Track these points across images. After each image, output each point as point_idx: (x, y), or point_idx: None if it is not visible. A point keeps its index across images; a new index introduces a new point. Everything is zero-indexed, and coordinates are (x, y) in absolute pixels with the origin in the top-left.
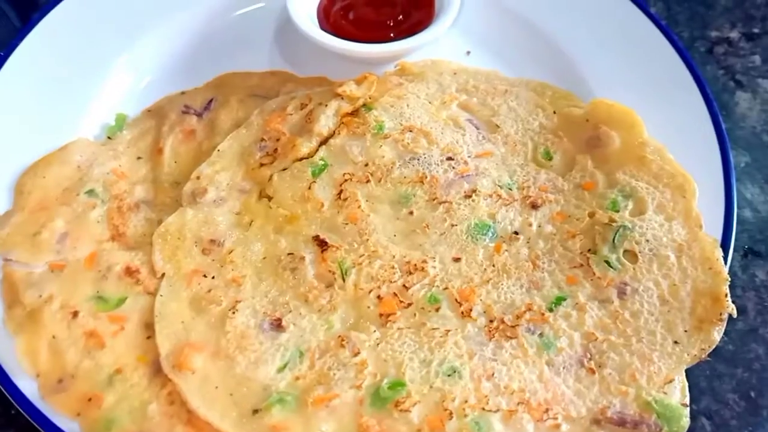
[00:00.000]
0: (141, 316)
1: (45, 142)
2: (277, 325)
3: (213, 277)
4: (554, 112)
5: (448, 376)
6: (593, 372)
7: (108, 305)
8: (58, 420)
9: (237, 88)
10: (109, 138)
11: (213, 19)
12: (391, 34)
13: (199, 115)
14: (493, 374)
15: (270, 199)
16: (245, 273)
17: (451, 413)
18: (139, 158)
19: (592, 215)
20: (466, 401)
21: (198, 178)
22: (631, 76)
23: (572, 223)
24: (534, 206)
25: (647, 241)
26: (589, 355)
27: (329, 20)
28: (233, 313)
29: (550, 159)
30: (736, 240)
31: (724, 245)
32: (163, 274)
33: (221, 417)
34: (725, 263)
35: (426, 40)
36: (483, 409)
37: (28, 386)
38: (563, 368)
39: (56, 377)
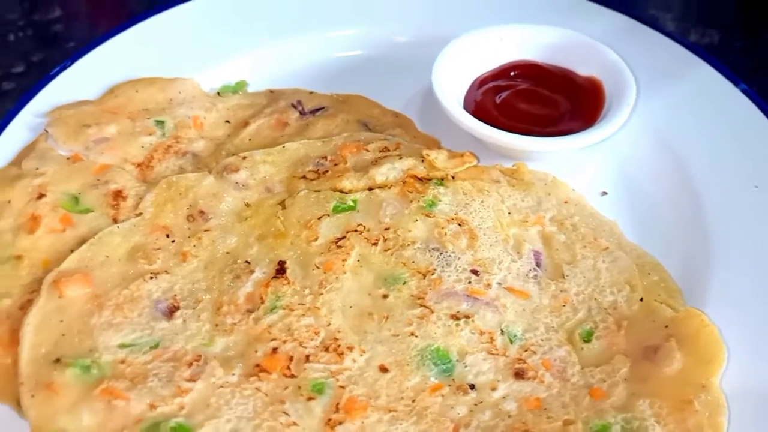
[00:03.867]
0: (86, 232)
1: (163, 69)
2: (169, 312)
3: (173, 241)
4: (641, 300)
5: None
6: None
7: (73, 207)
8: None
9: (354, 110)
10: (218, 94)
11: (382, 42)
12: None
13: (302, 114)
14: None
15: (283, 209)
16: (199, 255)
17: None
18: (227, 121)
19: (567, 423)
20: None
21: (244, 158)
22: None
23: (539, 418)
24: (518, 375)
25: None
26: None
27: (478, 97)
28: (150, 278)
29: (587, 342)
30: None
31: None
32: (140, 214)
33: (31, 345)
34: None
35: (562, 146)
36: None
37: None
38: None
39: None
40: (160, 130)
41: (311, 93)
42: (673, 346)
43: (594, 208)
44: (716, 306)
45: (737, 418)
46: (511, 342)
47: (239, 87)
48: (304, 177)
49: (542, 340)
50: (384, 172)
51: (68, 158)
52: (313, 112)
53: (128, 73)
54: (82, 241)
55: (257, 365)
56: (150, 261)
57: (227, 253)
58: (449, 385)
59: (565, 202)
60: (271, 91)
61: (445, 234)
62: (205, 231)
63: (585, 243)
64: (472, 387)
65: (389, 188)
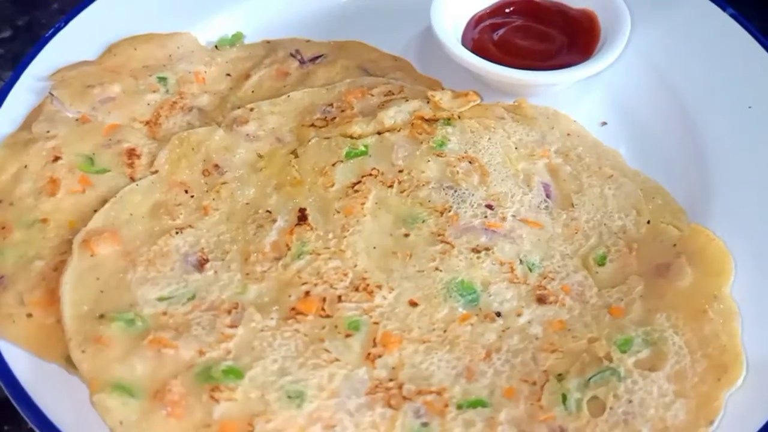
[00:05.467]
0: (106, 192)
1: (158, 24)
2: (200, 265)
3: (192, 196)
4: (648, 222)
5: (289, 397)
6: None
7: (89, 168)
8: None
9: (353, 56)
10: (216, 47)
11: None
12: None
13: (301, 63)
14: (334, 426)
15: (296, 157)
16: (219, 208)
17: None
18: (227, 75)
19: (592, 341)
20: (279, 431)
21: (251, 110)
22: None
23: (565, 338)
24: (540, 300)
25: (629, 401)
26: None
27: (475, 35)
28: (176, 233)
29: (601, 265)
30: None
31: None
32: (156, 171)
33: (72, 303)
34: None
35: (562, 78)
36: None
37: None
38: None
39: None
40: (164, 86)
41: (308, 41)
42: (683, 262)
43: (596, 138)
44: (720, 222)
45: (750, 322)
46: (531, 270)
47: (236, 39)
48: (312, 125)
49: (559, 266)
50: (392, 115)
51: (76, 120)
52: (313, 60)
53: (123, 31)
54: (103, 201)
55: (293, 308)
56: (173, 217)
57: (247, 204)
58: (476, 314)
59: (568, 135)
60: (268, 42)
61: (458, 172)
62: (222, 184)
63: (590, 172)
64: (499, 314)
65: (398, 131)
